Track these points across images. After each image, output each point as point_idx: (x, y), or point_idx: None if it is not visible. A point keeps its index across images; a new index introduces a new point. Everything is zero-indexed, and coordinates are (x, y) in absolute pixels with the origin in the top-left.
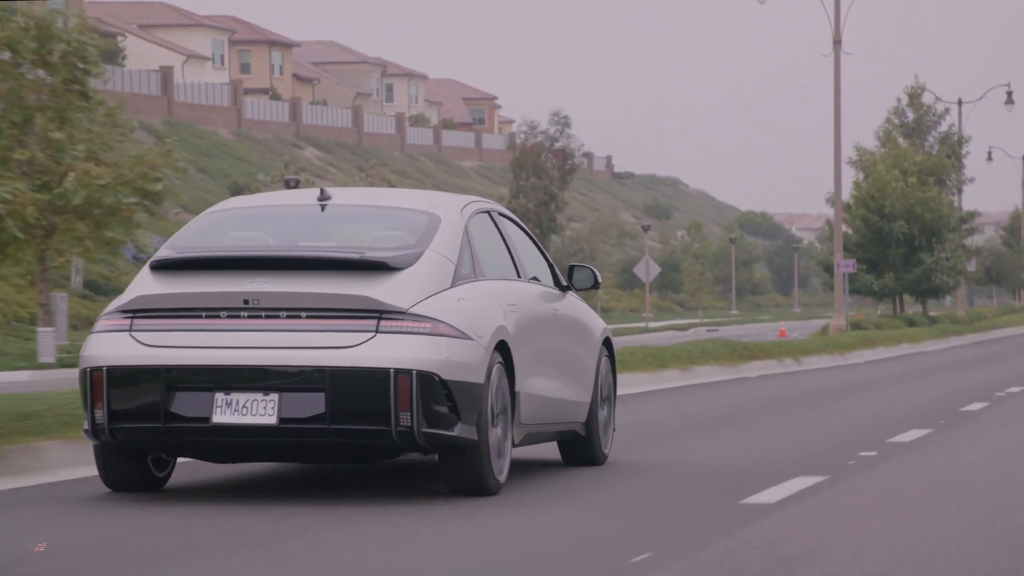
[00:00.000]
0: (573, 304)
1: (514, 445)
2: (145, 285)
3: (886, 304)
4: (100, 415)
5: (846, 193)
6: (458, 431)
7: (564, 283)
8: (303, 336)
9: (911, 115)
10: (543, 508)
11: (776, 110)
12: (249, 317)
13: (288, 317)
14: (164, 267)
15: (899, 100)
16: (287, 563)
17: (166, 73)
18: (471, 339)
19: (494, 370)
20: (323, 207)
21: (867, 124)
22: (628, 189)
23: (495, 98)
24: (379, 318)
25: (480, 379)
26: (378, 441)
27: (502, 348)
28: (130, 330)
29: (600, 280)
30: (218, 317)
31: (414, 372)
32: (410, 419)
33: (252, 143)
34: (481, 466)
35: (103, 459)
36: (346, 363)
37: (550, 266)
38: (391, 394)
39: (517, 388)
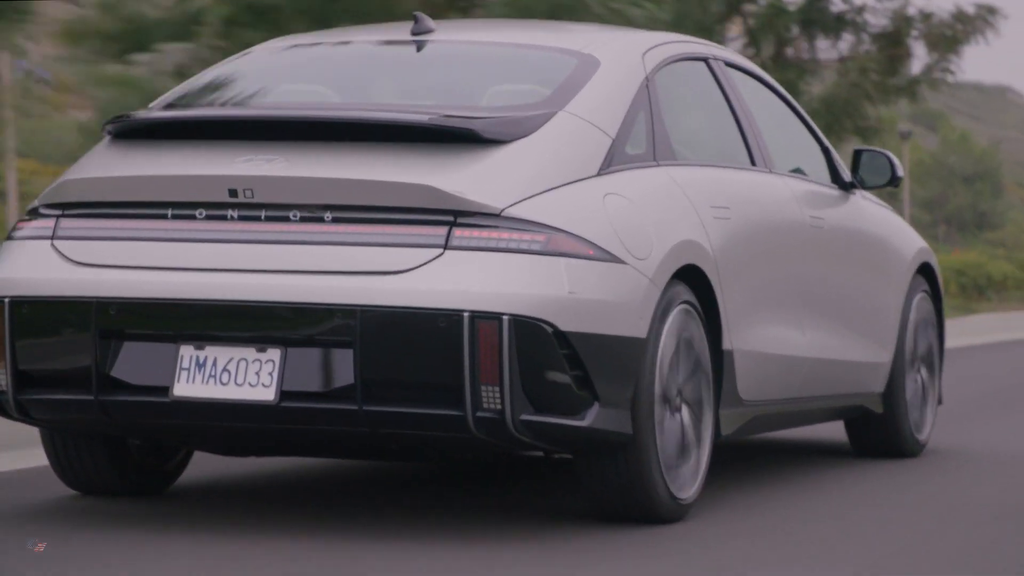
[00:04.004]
0: (859, 210)
1: (723, 437)
2: (88, 164)
3: None
4: (2, 377)
5: None
6: (593, 420)
7: (847, 178)
8: (325, 253)
9: None
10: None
11: None
12: (240, 219)
13: (303, 220)
14: (127, 134)
15: None
16: None
17: None
18: (620, 262)
19: (672, 314)
20: (419, 45)
21: None
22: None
23: None
24: (451, 224)
25: (637, 331)
26: (445, 433)
27: (692, 278)
28: (52, 237)
29: (900, 172)
30: (191, 219)
31: (505, 318)
32: (499, 398)
33: None
34: (642, 477)
35: (51, 442)
36: (390, 300)
37: (825, 151)
38: (465, 355)
39: (728, 345)
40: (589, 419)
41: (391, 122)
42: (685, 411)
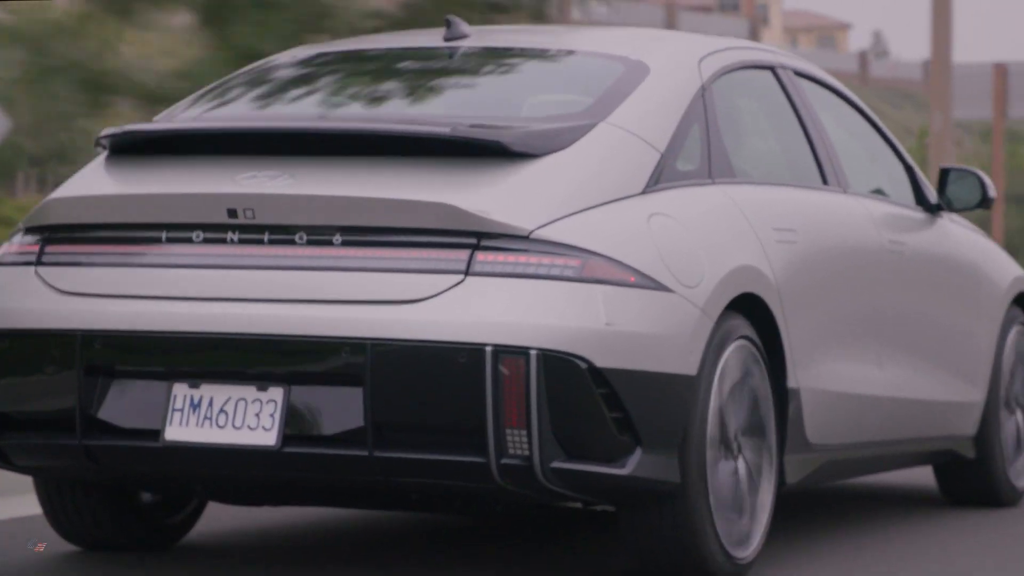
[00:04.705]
0: (946, 235)
1: (788, 485)
2: (78, 182)
3: None
4: None
5: None
6: (635, 467)
7: (933, 199)
8: (332, 280)
9: None
10: None
11: None
12: (241, 243)
13: (309, 243)
14: (123, 149)
15: None
16: None
17: None
18: (667, 290)
19: (728, 350)
20: (452, 52)
21: None
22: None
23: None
24: (474, 248)
25: (686, 367)
26: (466, 483)
27: (752, 308)
28: (36, 263)
29: (993, 194)
30: (187, 242)
31: (533, 353)
32: (526, 443)
33: None
34: (693, 533)
35: (45, 491)
36: (404, 332)
37: (908, 171)
38: (487, 394)
39: (794, 383)
40: (630, 467)
41: (409, 134)
42: (743, 457)
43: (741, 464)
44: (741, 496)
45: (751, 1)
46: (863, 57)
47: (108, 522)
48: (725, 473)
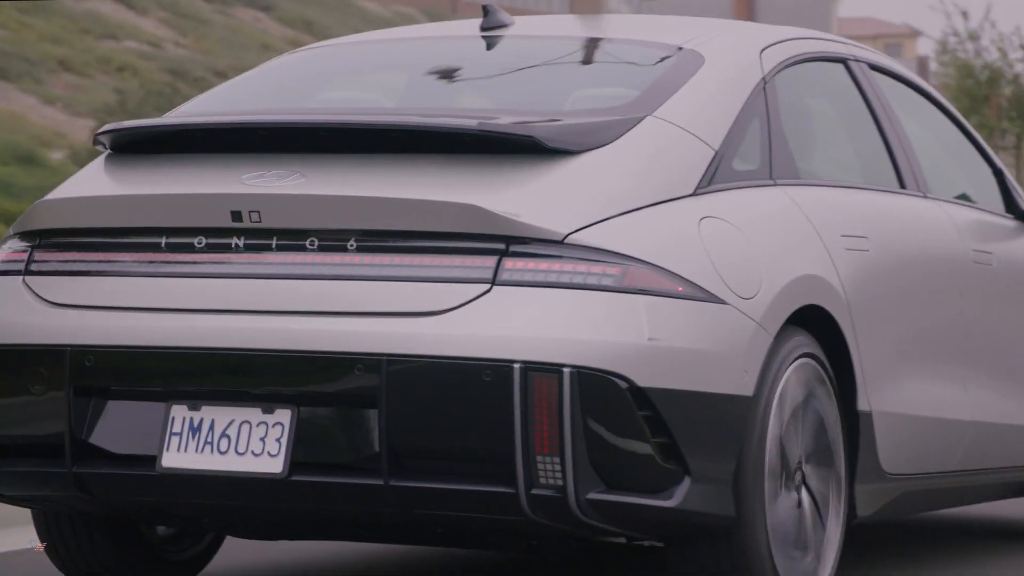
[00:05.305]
0: None
1: (860, 518)
2: (74, 182)
3: None
4: None
5: None
6: (683, 499)
7: None
8: (345, 290)
9: None
10: None
11: None
12: (247, 249)
13: (321, 249)
14: (125, 147)
15: None
16: None
17: None
18: (719, 301)
19: (789, 369)
20: (491, 42)
21: None
22: None
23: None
24: (502, 254)
25: (741, 387)
26: (492, 515)
27: (817, 322)
28: (24, 272)
29: None
30: (189, 249)
31: (567, 371)
32: (559, 472)
33: None
34: (751, 573)
35: (43, 521)
36: (424, 348)
37: (997, 175)
38: (516, 417)
39: (866, 405)
40: (677, 498)
41: (431, 128)
42: (807, 488)
43: (805, 496)
44: (805, 531)
45: None
46: (922, 62)
47: (112, 556)
48: (786, 506)
